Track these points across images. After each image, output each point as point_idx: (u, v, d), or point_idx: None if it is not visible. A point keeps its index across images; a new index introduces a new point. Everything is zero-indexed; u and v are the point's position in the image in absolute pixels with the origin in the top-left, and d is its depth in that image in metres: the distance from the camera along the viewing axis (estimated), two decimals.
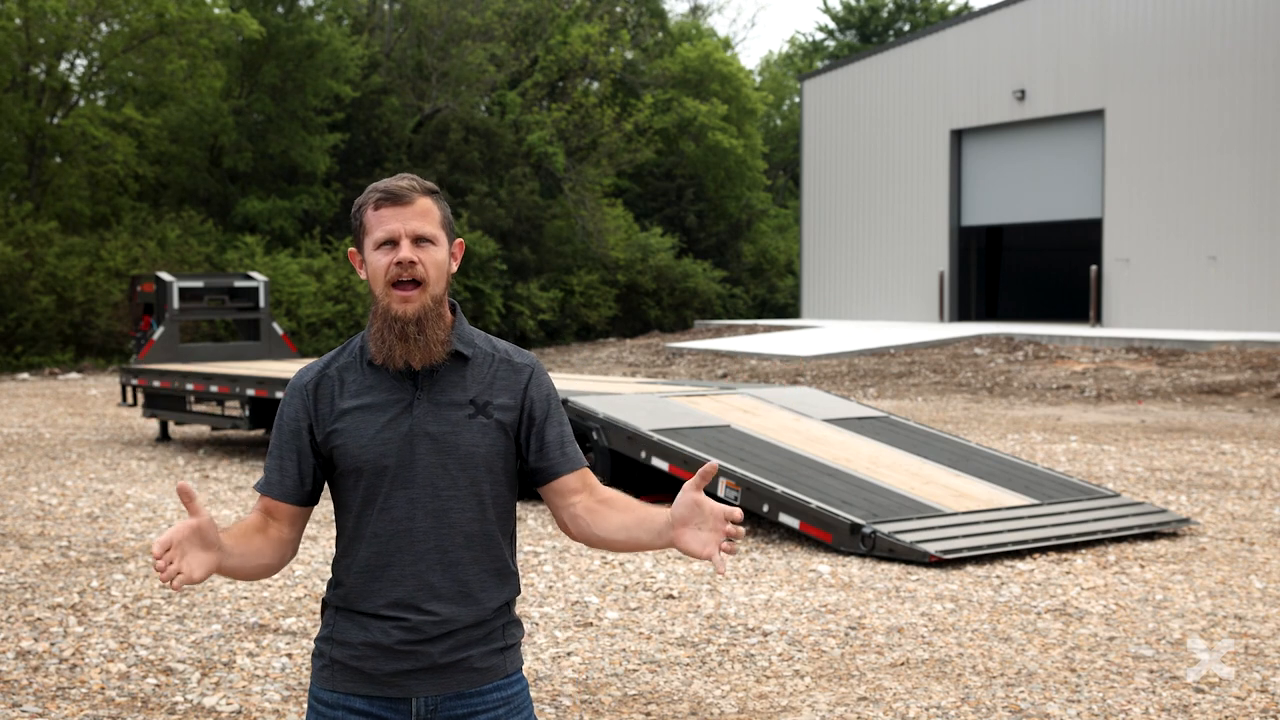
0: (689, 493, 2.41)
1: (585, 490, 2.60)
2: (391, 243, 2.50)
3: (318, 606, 6.58)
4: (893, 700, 5.17)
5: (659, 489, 9.05)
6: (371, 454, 2.49)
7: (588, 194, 34.59)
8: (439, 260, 2.53)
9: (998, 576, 7.24)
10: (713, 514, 2.38)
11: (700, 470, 2.39)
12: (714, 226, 39.57)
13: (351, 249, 2.61)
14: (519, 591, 2.62)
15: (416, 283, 2.50)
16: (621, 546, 2.55)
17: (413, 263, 2.49)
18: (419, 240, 2.51)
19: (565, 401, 9.48)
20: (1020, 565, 7.53)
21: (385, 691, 2.50)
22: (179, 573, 2.34)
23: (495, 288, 31.53)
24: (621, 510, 2.56)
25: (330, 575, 2.61)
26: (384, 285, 2.50)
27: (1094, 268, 27.77)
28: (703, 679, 5.47)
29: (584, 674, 5.53)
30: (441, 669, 2.50)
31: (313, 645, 2.61)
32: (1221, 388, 18.07)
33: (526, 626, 6.15)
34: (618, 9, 40.05)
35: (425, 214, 2.52)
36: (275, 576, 7.21)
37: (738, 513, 2.37)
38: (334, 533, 2.68)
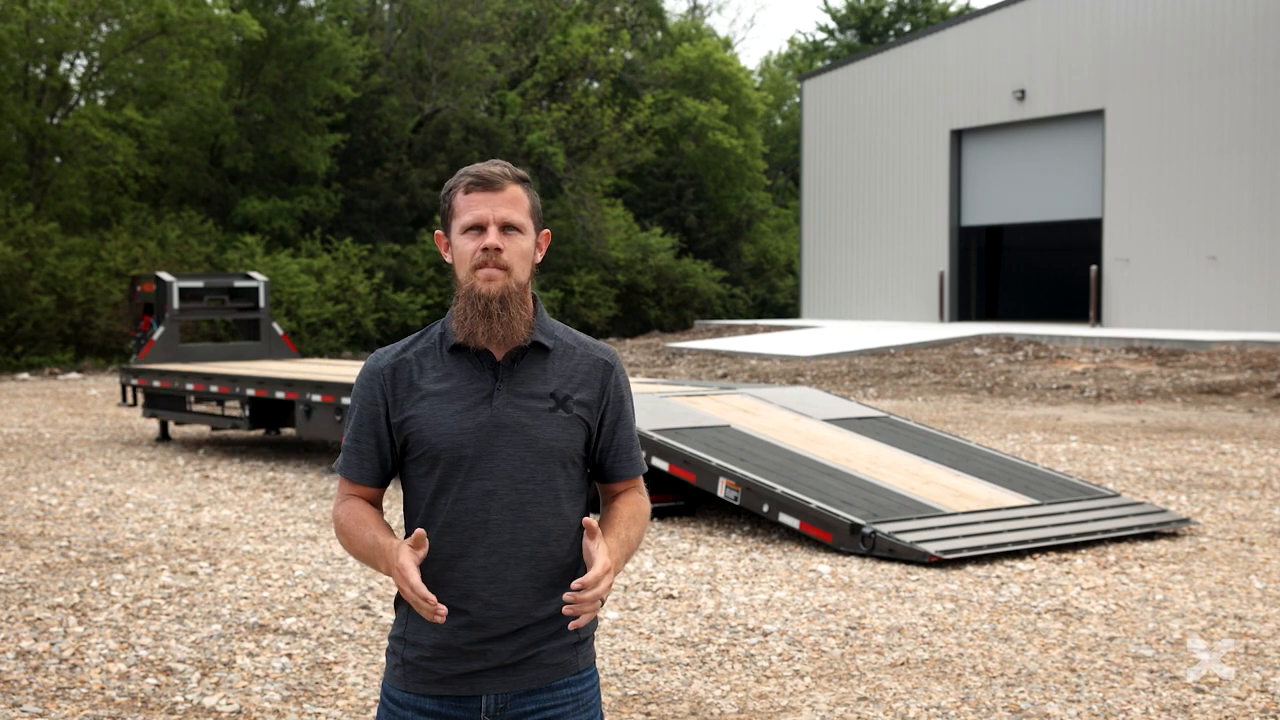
0: (585, 542, 2.46)
1: (623, 495, 2.62)
2: (479, 228, 2.50)
3: (318, 607, 6.58)
4: (893, 700, 5.17)
5: (659, 489, 9.05)
6: (448, 442, 2.48)
7: (588, 194, 34.60)
8: (524, 249, 2.53)
9: (998, 576, 7.24)
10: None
11: (584, 525, 2.45)
12: (714, 226, 39.57)
13: (438, 231, 2.60)
14: None
15: (501, 269, 2.49)
16: None
17: (499, 249, 2.48)
18: (506, 228, 2.51)
19: None
20: (1020, 565, 7.53)
21: (456, 690, 2.50)
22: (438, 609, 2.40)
23: None
24: (606, 525, 2.59)
25: None
26: (468, 269, 2.50)
27: (1094, 268, 27.77)
28: (703, 679, 5.47)
29: None
30: (513, 667, 2.49)
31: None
32: (1221, 388, 18.07)
33: None
34: (617, 9, 40.05)
35: (515, 201, 2.52)
36: (275, 576, 7.21)
37: (591, 575, 2.39)
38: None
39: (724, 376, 21.35)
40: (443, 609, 2.36)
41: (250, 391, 12.15)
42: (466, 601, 2.48)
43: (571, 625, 2.42)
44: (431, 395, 2.51)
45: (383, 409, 2.54)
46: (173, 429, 14.37)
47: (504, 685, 2.49)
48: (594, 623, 2.62)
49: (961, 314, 31.27)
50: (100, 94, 30.32)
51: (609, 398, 2.58)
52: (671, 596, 6.82)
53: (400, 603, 2.58)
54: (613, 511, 2.62)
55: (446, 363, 2.53)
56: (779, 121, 47.49)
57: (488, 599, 2.47)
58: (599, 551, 2.42)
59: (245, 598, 6.75)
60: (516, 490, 2.48)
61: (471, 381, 2.51)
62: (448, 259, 2.56)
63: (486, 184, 2.51)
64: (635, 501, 2.61)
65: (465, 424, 2.48)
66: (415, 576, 2.37)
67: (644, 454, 8.81)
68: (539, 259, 2.59)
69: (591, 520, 2.43)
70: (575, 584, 2.39)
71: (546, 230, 2.63)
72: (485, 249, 2.48)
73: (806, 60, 51.50)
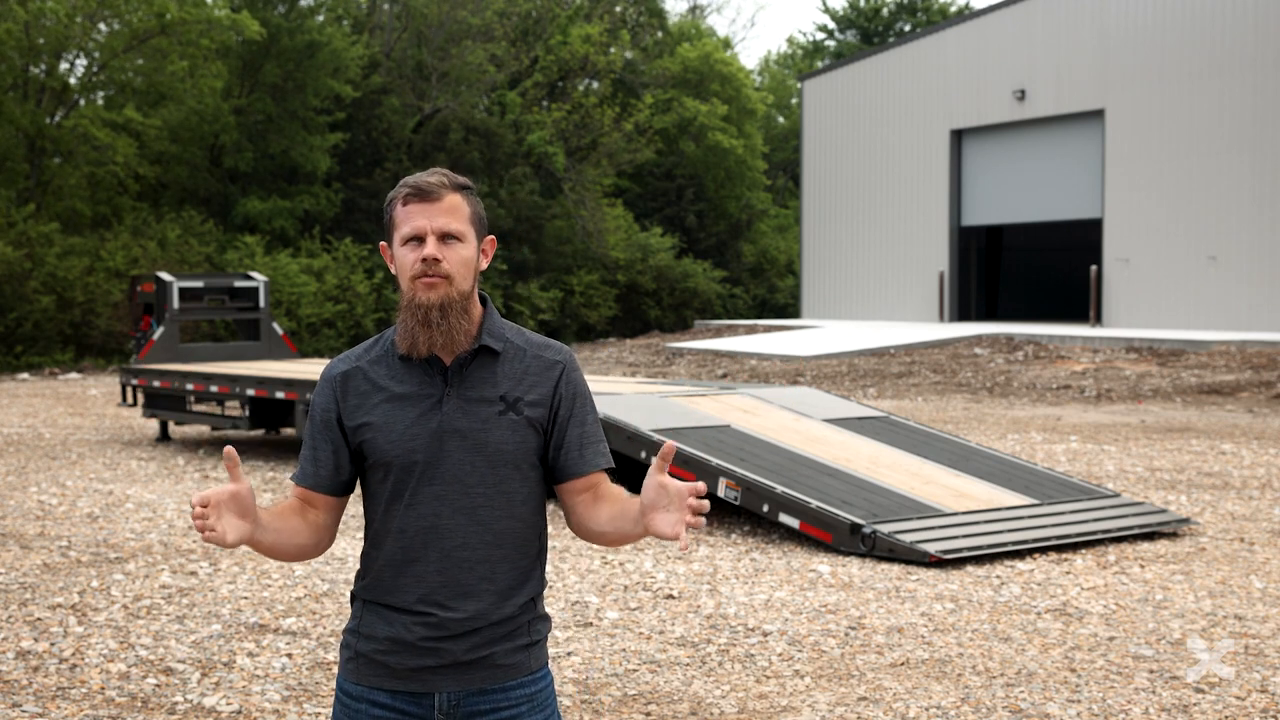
0: (653, 477, 2.40)
1: (590, 490, 2.59)
2: (418, 239, 2.50)
3: (318, 606, 6.58)
4: (893, 700, 5.17)
5: None
6: (400, 449, 2.49)
7: (588, 194, 34.60)
8: (466, 257, 2.52)
9: (998, 576, 7.24)
10: (677, 493, 2.37)
11: (660, 453, 2.38)
12: (714, 226, 39.57)
13: (383, 243, 2.61)
14: (544, 586, 2.61)
15: (441, 277, 2.49)
16: (612, 538, 2.55)
17: (437, 259, 2.48)
18: (445, 237, 2.50)
19: None
20: (1020, 565, 7.53)
21: (409, 686, 2.50)
22: (213, 530, 2.36)
23: (495, 288, 31.55)
24: (610, 502, 2.56)
25: (359, 566, 2.61)
26: (409, 278, 2.50)
27: (1094, 268, 27.77)
28: (703, 679, 5.47)
29: (584, 674, 5.53)
30: (465, 665, 2.50)
31: (341, 637, 2.62)
32: (1221, 388, 18.07)
33: None
34: (618, 9, 40.04)
35: (453, 210, 2.51)
36: (275, 576, 7.21)
37: (701, 486, 2.35)
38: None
39: (724, 376, 21.35)
40: (208, 516, 2.34)
41: (250, 391, 12.15)
42: (422, 604, 2.48)
43: (683, 545, 2.37)
44: (383, 403, 2.52)
45: (334, 415, 2.56)
46: (173, 429, 14.37)
47: (456, 684, 2.50)
48: (547, 625, 2.61)
49: (961, 314, 31.27)
50: (100, 94, 30.31)
51: (561, 395, 2.56)
52: (671, 596, 6.82)
53: (355, 598, 2.59)
54: (612, 495, 2.58)
55: (397, 370, 2.54)
56: (780, 121, 47.50)
57: (443, 603, 2.48)
58: (678, 482, 2.40)
59: (245, 598, 6.75)
60: (468, 495, 2.49)
61: (422, 388, 2.51)
62: (393, 270, 2.56)
63: (423, 195, 2.50)
64: (622, 489, 2.59)
65: (416, 431, 2.49)
66: (207, 493, 2.38)
67: (644, 454, 8.85)
68: (484, 265, 2.58)
69: (670, 445, 2.38)
70: (695, 494, 2.34)
71: (491, 236, 2.62)
72: (424, 260, 2.48)
73: (806, 60, 51.50)
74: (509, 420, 2.51)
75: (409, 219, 2.50)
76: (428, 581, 2.48)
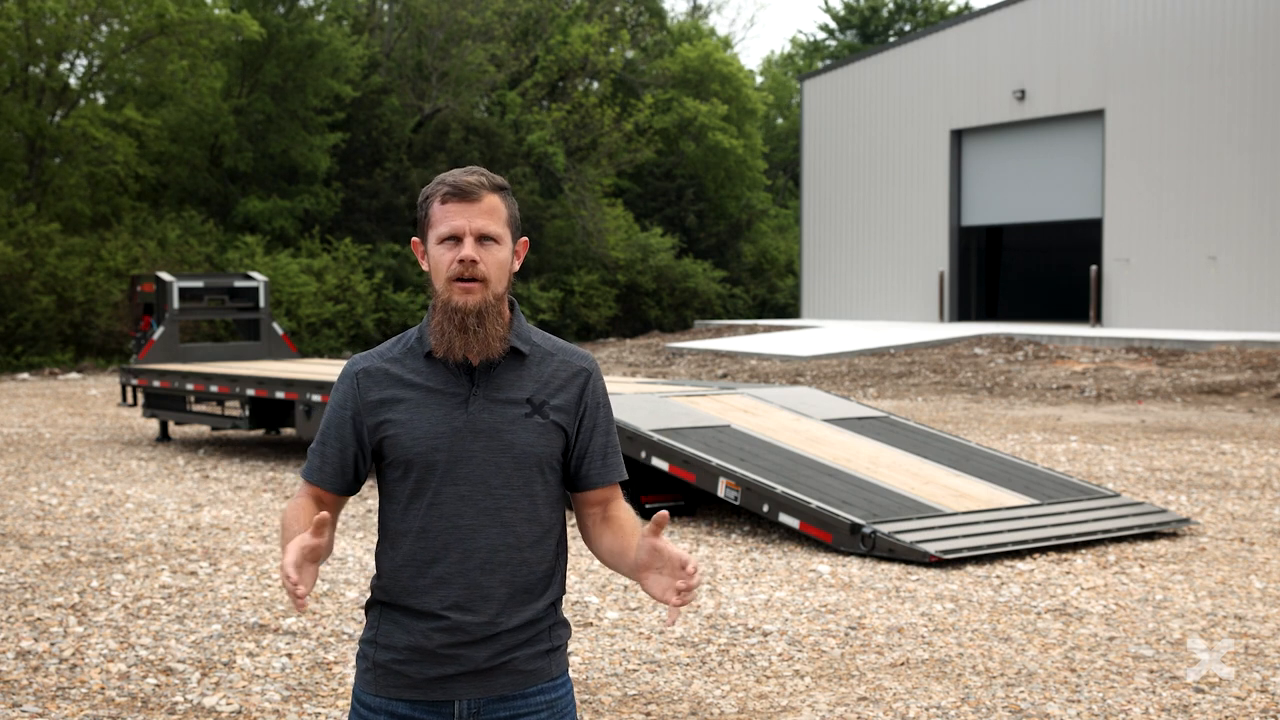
0: (647, 539, 2.41)
1: (603, 504, 2.59)
2: (455, 239, 2.47)
3: (318, 607, 6.58)
4: (893, 700, 5.17)
5: (659, 489, 9.05)
6: (423, 447, 2.46)
7: (588, 194, 34.60)
8: (502, 259, 2.49)
9: (998, 576, 7.24)
10: (670, 561, 2.38)
11: (653, 520, 2.38)
12: (714, 226, 39.57)
13: (415, 239, 2.58)
14: (564, 591, 2.60)
15: (478, 280, 2.47)
16: (608, 566, 2.58)
17: (475, 261, 2.45)
18: (483, 239, 2.47)
19: None
20: (1020, 565, 7.53)
21: (428, 695, 2.48)
22: (304, 599, 2.31)
23: None
24: (614, 535, 2.56)
25: (374, 569, 2.58)
26: (445, 280, 2.47)
27: (1094, 268, 27.78)
28: (703, 679, 5.47)
29: (584, 674, 5.53)
30: (485, 673, 2.47)
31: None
32: (1221, 388, 18.07)
33: None
34: (618, 9, 40.04)
35: (491, 212, 2.49)
36: (275, 576, 7.21)
37: (691, 563, 2.35)
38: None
39: (724, 376, 21.34)
40: (301, 592, 2.28)
41: (250, 391, 12.15)
42: (442, 607, 2.46)
43: (670, 619, 2.38)
44: (406, 401, 2.49)
45: (351, 414, 2.53)
46: (173, 429, 14.37)
47: (476, 691, 2.47)
48: (568, 631, 2.60)
49: (961, 314, 31.27)
50: (100, 94, 30.31)
51: (586, 403, 2.56)
52: None
53: (370, 606, 2.56)
54: (618, 522, 2.59)
55: (422, 368, 2.51)
56: (779, 121, 47.50)
57: (462, 604, 2.45)
58: (673, 547, 2.39)
59: (245, 598, 6.75)
60: (492, 495, 2.47)
61: (447, 387, 2.49)
62: (424, 267, 2.54)
63: (463, 194, 2.47)
64: (629, 511, 2.60)
65: (439, 429, 2.46)
66: (289, 556, 2.30)
67: (644, 454, 8.84)
68: (516, 267, 2.56)
69: (664, 514, 2.37)
70: (689, 568, 2.33)
71: (524, 239, 2.60)
72: (461, 261, 2.45)
73: (807, 60, 51.51)
74: (535, 423, 2.49)
75: (447, 218, 2.48)
76: (449, 584, 2.45)
